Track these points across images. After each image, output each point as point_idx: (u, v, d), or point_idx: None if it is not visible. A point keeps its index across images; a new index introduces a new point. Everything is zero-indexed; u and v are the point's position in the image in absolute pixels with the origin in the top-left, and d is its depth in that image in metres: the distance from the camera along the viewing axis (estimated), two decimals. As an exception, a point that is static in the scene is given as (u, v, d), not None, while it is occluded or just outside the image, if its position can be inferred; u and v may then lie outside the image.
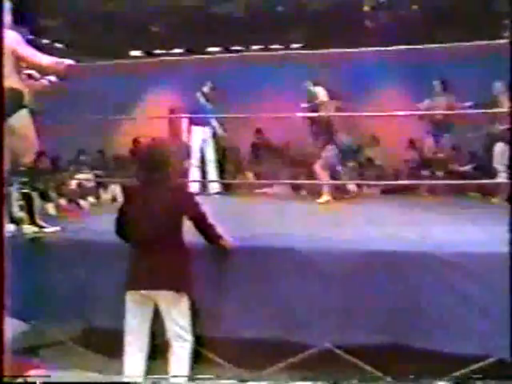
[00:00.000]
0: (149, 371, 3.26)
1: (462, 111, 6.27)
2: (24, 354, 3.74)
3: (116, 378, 3.31)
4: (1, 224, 2.60)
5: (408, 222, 4.49)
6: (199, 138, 7.21)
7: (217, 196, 6.84)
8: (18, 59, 3.69)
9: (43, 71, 4.03)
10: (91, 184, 8.32)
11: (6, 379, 2.61)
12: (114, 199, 8.36)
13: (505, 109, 5.80)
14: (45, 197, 6.73)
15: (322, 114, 6.16)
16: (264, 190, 8.34)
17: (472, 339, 3.11)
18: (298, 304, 3.36)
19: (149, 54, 11.01)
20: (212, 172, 7.21)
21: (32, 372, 3.32)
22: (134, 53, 11.01)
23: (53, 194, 7.37)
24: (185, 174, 7.11)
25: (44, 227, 4.06)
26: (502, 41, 4.66)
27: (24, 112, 3.79)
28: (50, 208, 6.84)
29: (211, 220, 3.28)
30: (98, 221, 4.87)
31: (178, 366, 3.18)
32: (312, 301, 3.33)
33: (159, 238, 3.11)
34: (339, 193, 6.34)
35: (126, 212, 3.23)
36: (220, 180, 7.41)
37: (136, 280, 3.14)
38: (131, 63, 10.04)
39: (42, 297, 3.75)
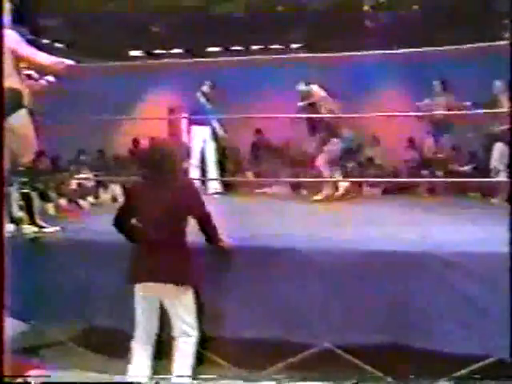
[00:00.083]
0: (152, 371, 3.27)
1: (461, 111, 6.26)
2: (24, 353, 3.74)
3: (117, 378, 3.32)
4: (1, 224, 2.60)
5: (408, 221, 4.49)
6: (199, 138, 7.20)
7: (217, 196, 6.84)
8: (18, 59, 3.69)
9: (43, 71, 4.03)
10: (91, 184, 8.32)
11: (6, 379, 2.61)
12: (114, 199, 8.37)
13: (505, 109, 5.80)
14: (44, 197, 6.74)
15: (322, 115, 6.14)
16: (264, 189, 8.34)
17: (472, 339, 3.11)
18: (298, 304, 3.36)
19: (149, 54, 11.01)
20: (212, 172, 7.20)
21: (32, 372, 3.32)
22: (133, 53, 11.01)
23: (53, 194, 7.38)
24: (185, 174, 7.11)
25: (44, 227, 4.06)
26: (502, 41, 4.65)
27: (23, 112, 3.78)
28: (50, 208, 6.85)
29: (214, 221, 3.29)
30: (98, 221, 4.86)
31: (182, 361, 3.18)
32: (312, 301, 3.33)
33: (164, 235, 3.11)
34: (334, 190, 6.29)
35: (131, 208, 3.24)
36: (220, 178, 7.40)
37: (138, 273, 3.15)
38: (131, 63, 10.05)
39: (42, 297, 3.75)
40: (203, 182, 7.12)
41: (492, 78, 6.20)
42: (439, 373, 3.18)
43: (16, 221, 4.00)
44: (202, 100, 7.13)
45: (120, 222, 3.28)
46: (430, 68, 7.36)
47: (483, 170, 6.76)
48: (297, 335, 3.35)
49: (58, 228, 4.11)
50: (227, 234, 3.38)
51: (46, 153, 7.76)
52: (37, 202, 4.36)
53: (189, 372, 3.17)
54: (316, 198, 6.13)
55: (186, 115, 7.95)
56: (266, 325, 3.38)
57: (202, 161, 7.21)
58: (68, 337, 3.94)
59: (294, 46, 10.21)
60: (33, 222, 4.03)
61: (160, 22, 9.64)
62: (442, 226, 4.18)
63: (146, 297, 3.18)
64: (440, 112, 6.81)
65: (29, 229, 3.98)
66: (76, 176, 8.35)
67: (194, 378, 3.19)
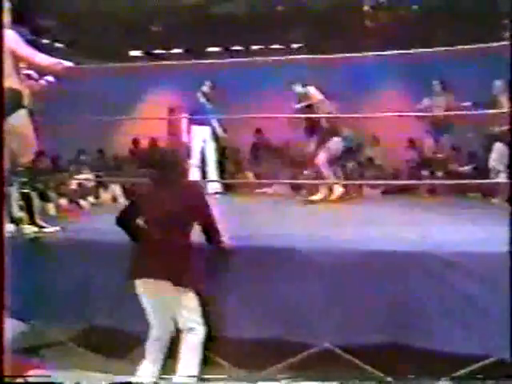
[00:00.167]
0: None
1: (461, 112, 6.26)
2: (24, 353, 3.74)
3: (117, 378, 3.32)
4: (1, 224, 2.60)
5: (408, 221, 4.49)
6: (199, 138, 7.20)
7: (217, 196, 6.84)
8: (17, 59, 3.69)
9: (42, 71, 4.03)
10: (91, 184, 8.31)
11: (6, 379, 2.61)
12: (114, 199, 8.37)
13: (504, 109, 5.80)
14: (44, 197, 6.74)
15: (321, 115, 6.11)
16: (264, 189, 8.35)
17: (472, 339, 3.11)
18: (298, 304, 3.36)
19: (149, 54, 11.01)
20: (212, 172, 7.21)
21: (32, 372, 3.32)
22: (133, 53, 11.01)
23: (53, 194, 7.37)
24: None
25: (44, 227, 4.06)
26: (502, 41, 4.65)
27: (23, 112, 3.79)
28: (50, 208, 6.84)
29: (218, 225, 3.30)
30: (98, 221, 4.87)
31: (188, 358, 3.17)
32: (312, 301, 3.33)
33: (168, 237, 3.12)
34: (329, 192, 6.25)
35: (137, 209, 3.26)
36: (220, 181, 7.40)
37: (138, 270, 3.16)
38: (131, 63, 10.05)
39: (42, 297, 3.75)
40: (203, 182, 7.11)
41: (492, 78, 6.20)
42: (439, 373, 3.18)
43: (16, 221, 4.00)
44: (202, 100, 7.13)
45: (124, 221, 3.29)
46: (429, 68, 7.36)
47: (483, 170, 6.76)
48: (297, 335, 3.35)
49: (57, 228, 4.12)
50: (229, 235, 3.38)
51: (46, 153, 7.76)
52: (37, 202, 4.36)
53: (195, 370, 3.16)
54: (312, 198, 6.10)
55: (186, 115, 7.93)
56: (266, 325, 3.38)
57: (202, 161, 7.21)
58: (68, 337, 3.94)
59: (294, 46, 10.21)
60: (33, 222, 4.03)
61: (160, 22, 9.63)
62: (442, 226, 4.18)
63: (148, 296, 3.18)
64: (440, 112, 6.80)
65: (29, 229, 3.99)
66: (76, 176, 8.34)
67: (193, 378, 3.19)
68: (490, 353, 3.11)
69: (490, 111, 5.59)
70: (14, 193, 3.94)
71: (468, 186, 6.82)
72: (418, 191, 7.25)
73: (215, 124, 7.23)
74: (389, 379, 3.26)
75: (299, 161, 8.53)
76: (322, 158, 6.09)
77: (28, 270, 3.70)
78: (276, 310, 3.38)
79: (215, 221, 3.28)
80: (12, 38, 3.62)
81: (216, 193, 6.95)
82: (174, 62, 9.84)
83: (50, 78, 4.21)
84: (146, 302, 3.20)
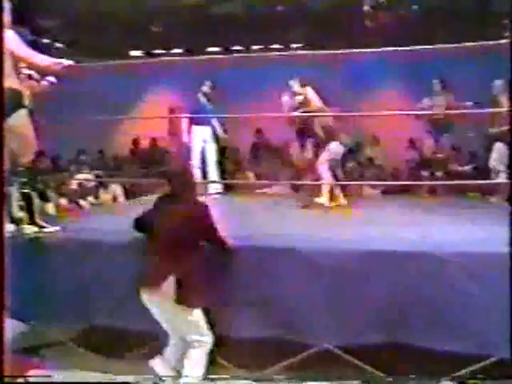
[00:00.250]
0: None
1: (461, 111, 6.26)
2: (24, 353, 3.74)
3: (117, 378, 3.32)
4: (1, 224, 2.60)
5: (408, 222, 4.48)
6: (200, 138, 7.20)
7: (217, 196, 6.83)
8: (17, 59, 3.69)
9: (42, 72, 4.03)
10: (91, 184, 8.31)
11: (6, 379, 2.61)
12: (114, 199, 8.37)
13: (504, 108, 5.79)
14: (44, 197, 6.74)
15: (315, 128, 5.99)
16: (264, 189, 8.34)
17: (472, 339, 3.11)
18: (298, 304, 3.36)
19: (149, 54, 11.01)
20: (213, 172, 7.20)
21: (32, 372, 3.32)
22: (133, 53, 11.01)
23: (53, 194, 7.37)
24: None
25: (44, 227, 4.06)
26: (502, 41, 4.65)
27: (23, 112, 3.79)
28: (50, 208, 6.84)
29: (223, 236, 3.31)
30: (98, 221, 4.86)
31: (192, 364, 3.17)
32: (312, 301, 3.33)
33: (174, 252, 3.11)
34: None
35: (151, 218, 3.28)
36: (221, 181, 7.40)
37: (144, 277, 3.16)
38: (131, 63, 10.05)
39: (42, 297, 3.75)
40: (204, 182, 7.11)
41: (492, 77, 6.19)
42: (440, 372, 3.18)
43: (16, 221, 4.00)
44: (203, 100, 7.13)
45: (140, 226, 3.34)
46: (429, 67, 7.36)
47: (483, 169, 6.76)
48: (297, 335, 3.35)
49: (58, 228, 4.12)
50: (230, 236, 3.38)
51: (46, 153, 7.76)
52: (37, 202, 4.36)
53: (200, 372, 3.15)
54: (319, 200, 5.96)
55: (187, 115, 7.92)
56: (266, 325, 3.38)
57: (203, 161, 7.21)
58: (68, 337, 3.95)
59: (294, 45, 10.21)
60: (33, 222, 4.03)
61: (160, 22, 9.63)
62: (442, 226, 4.18)
63: (152, 306, 3.16)
64: (440, 112, 6.80)
65: (29, 229, 3.99)
66: (76, 176, 8.34)
67: (207, 379, 3.18)
68: (490, 353, 3.12)
69: (490, 110, 5.58)
70: (14, 193, 3.94)
71: (468, 186, 6.82)
72: (418, 191, 7.24)
73: (215, 124, 7.23)
74: (389, 379, 3.26)
75: (298, 164, 8.53)
76: (322, 159, 6.02)
77: (28, 270, 3.70)
78: (276, 310, 3.38)
79: (221, 237, 3.29)
80: (11, 38, 3.61)
81: (216, 193, 6.95)
82: (176, 58, 9.85)
83: (52, 79, 4.21)
84: (153, 312, 3.19)
